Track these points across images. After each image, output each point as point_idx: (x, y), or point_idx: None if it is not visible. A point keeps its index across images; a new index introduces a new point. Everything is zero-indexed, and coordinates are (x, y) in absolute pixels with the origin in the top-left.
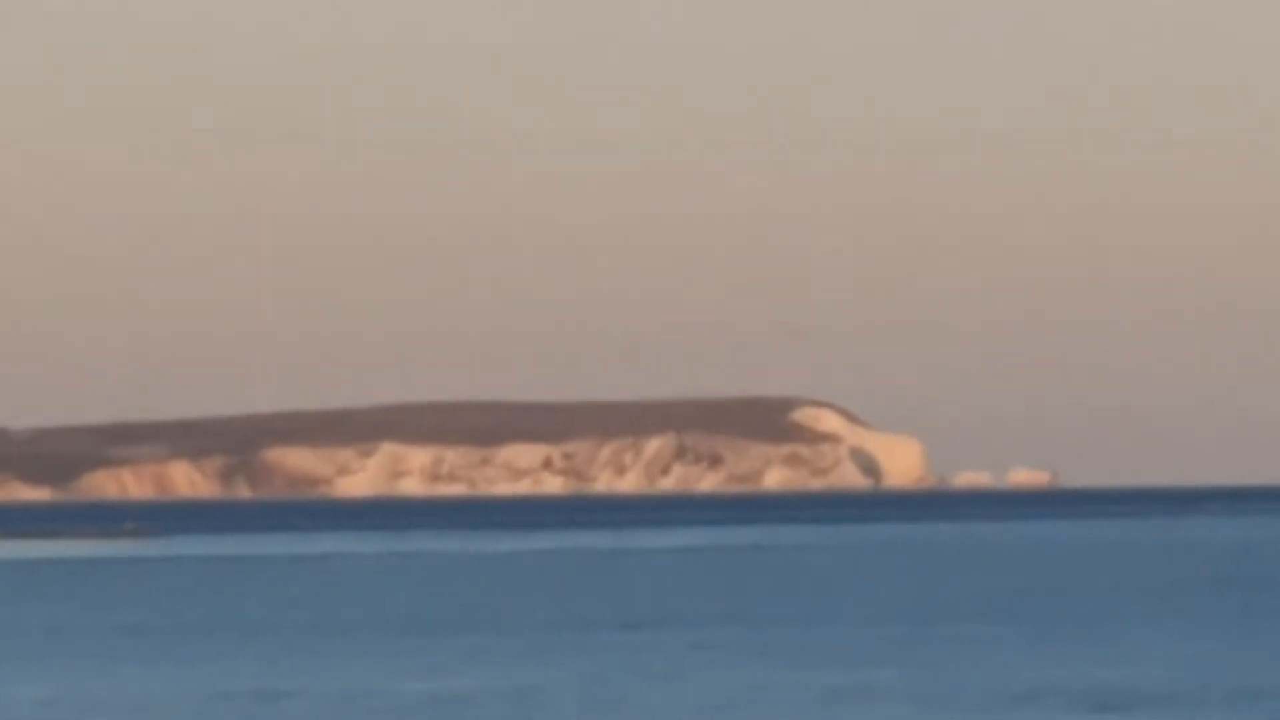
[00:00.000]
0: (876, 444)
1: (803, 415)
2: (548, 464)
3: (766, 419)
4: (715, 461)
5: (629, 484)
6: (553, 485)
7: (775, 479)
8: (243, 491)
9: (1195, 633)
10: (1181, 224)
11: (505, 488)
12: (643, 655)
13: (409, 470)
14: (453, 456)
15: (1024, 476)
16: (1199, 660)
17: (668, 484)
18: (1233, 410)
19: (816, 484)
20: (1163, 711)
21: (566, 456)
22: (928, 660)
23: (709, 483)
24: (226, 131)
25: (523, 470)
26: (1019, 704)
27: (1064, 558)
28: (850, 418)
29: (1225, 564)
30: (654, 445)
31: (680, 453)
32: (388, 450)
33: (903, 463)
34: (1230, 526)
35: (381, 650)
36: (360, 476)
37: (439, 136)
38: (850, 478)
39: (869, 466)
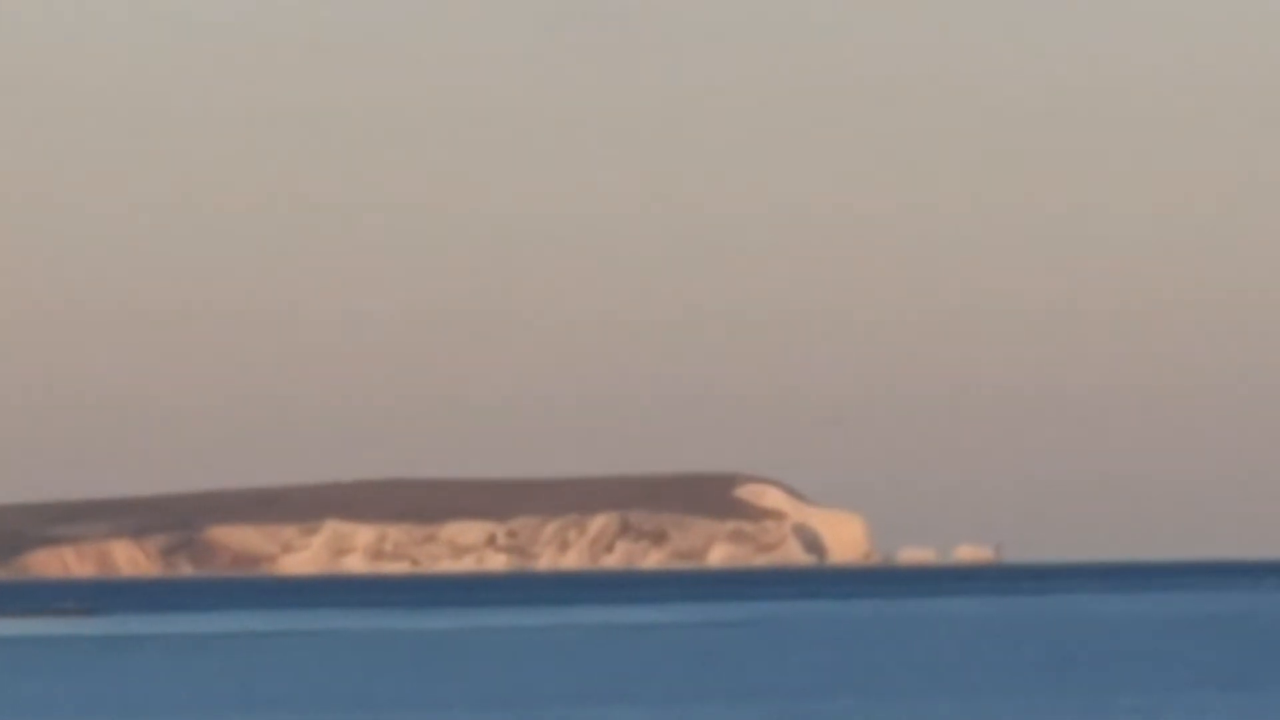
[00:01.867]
0: (820, 520)
1: (746, 492)
2: (491, 541)
3: (710, 496)
4: (659, 539)
5: (572, 561)
6: (496, 562)
7: (719, 556)
8: (186, 569)
9: (1146, 709)
10: (1119, 292)
11: (449, 565)
12: None
13: (353, 548)
14: (396, 534)
15: (968, 552)
16: None
17: (611, 561)
18: (1179, 484)
19: (761, 560)
20: None
21: (510, 534)
22: None
23: (653, 560)
24: (164, 200)
25: (466, 548)
26: None
27: (1007, 633)
28: (793, 494)
29: (1171, 637)
30: (598, 523)
31: (624, 530)
32: (331, 528)
33: (846, 539)
34: (1180, 601)
35: None
36: (304, 554)
37: (374, 211)
38: (794, 554)
39: (813, 543)
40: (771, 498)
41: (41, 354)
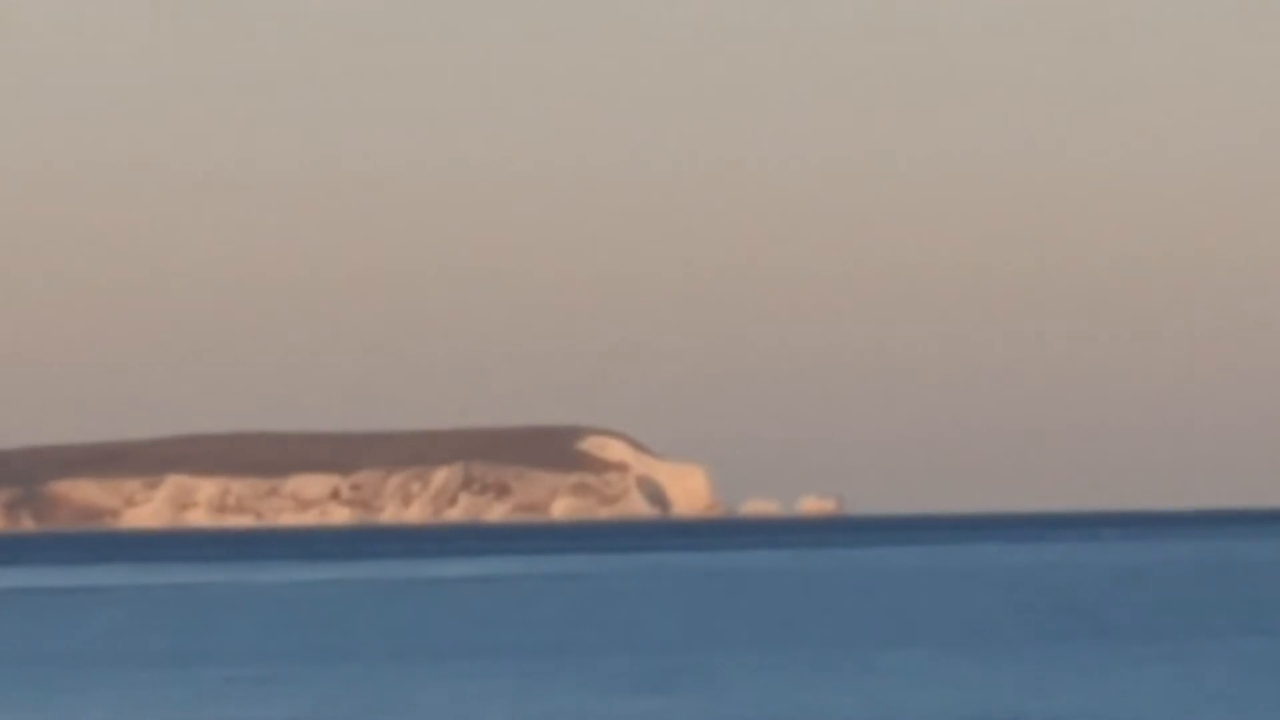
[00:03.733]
0: (663, 472)
1: (590, 444)
2: (335, 495)
3: (554, 448)
4: (502, 491)
5: (416, 514)
6: (340, 516)
7: (563, 508)
8: (28, 524)
9: (967, 660)
10: (962, 235)
11: (292, 519)
12: (418, 687)
13: (196, 502)
14: (239, 488)
15: (812, 504)
16: (965, 689)
17: (455, 514)
18: (1021, 433)
19: (604, 513)
20: None
21: (354, 487)
22: (702, 689)
23: (496, 513)
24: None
25: (310, 501)
26: None
27: (851, 586)
28: (637, 446)
29: (1010, 590)
30: (441, 475)
31: (467, 482)
32: (174, 482)
33: (690, 491)
34: (1019, 552)
35: (159, 683)
36: (147, 508)
37: (213, 164)
38: (637, 506)
39: (656, 495)
40: (615, 450)
41: None
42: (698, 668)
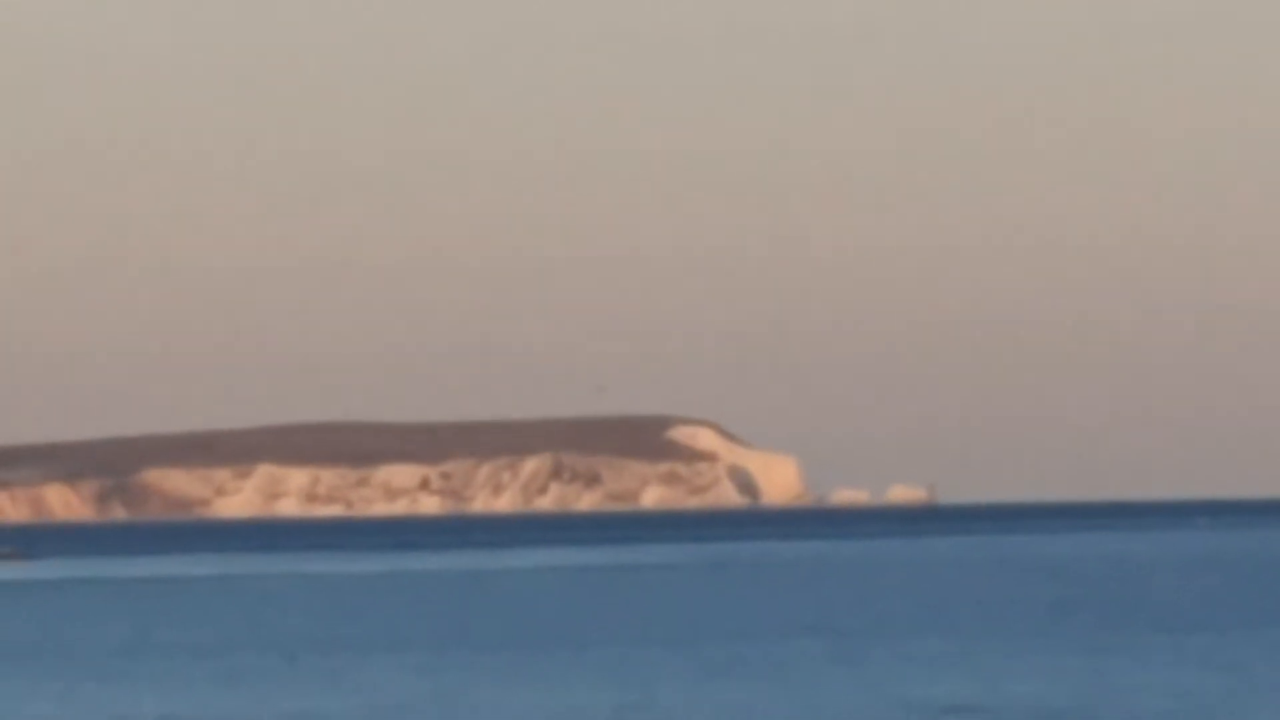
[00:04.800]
0: (753, 462)
1: (680, 433)
2: (425, 484)
3: (644, 438)
4: (593, 481)
5: (506, 503)
6: (430, 506)
7: (653, 498)
8: (119, 514)
9: (1056, 652)
10: (1057, 232)
11: (382, 508)
12: (509, 678)
13: (286, 491)
14: (329, 477)
15: (901, 493)
16: (1060, 681)
17: (545, 503)
18: (1111, 424)
19: (694, 502)
20: None
21: (444, 477)
22: (796, 679)
23: (586, 502)
24: (94, 144)
25: (400, 490)
26: None
27: (942, 575)
28: (727, 435)
29: (1099, 582)
30: (531, 465)
31: (558, 472)
32: (265, 472)
33: (780, 480)
34: (1109, 541)
35: (255, 672)
36: (237, 498)
37: (314, 156)
38: (727, 496)
39: (746, 484)
40: (705, 439)
41: None
42: (788, 658)
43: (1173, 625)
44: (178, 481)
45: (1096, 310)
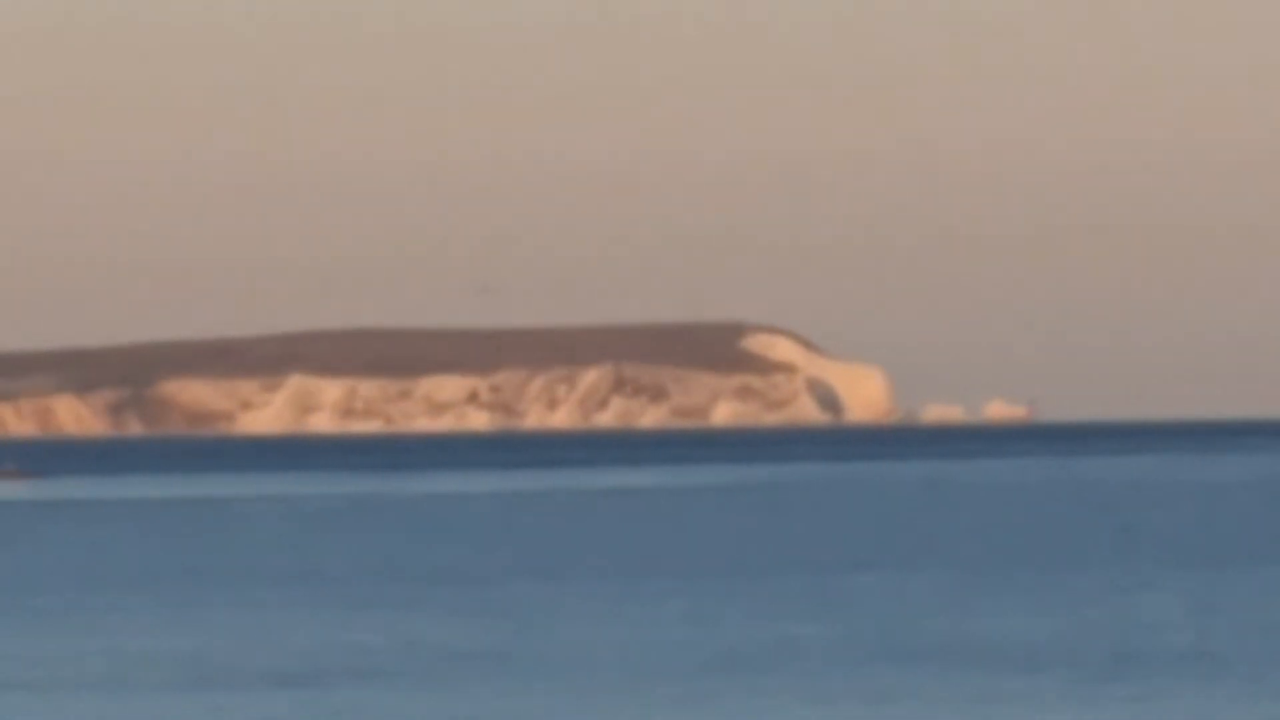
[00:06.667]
0: (836, 374)
1: (754, 342)
2: (473, 398)
3: (714, 347)
4: (658, 394)
5: (562, 419)
6: (478, 421)
7: (724, 413)
8: (135, 428)
9: (1171, 581)
10: (1159, 148)
11: (425, 424)
12: (568, 606)
13: (319, 405)
14: (367, 389)
15: (999, 410)
16: (1167, 611)
17: (605, 419)
18: (1220, 342)
19: (770, 419)
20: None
21: (493, 389)
22: (872, 611)
23: (651, 418)
24: (117, 66)
25: (445, 404)
26: (974, 658)
27: (1042, 498)
28: (807, 345)
29: (1210, 505)
30: (590, 376)
31: (619, 385)
32: (296, 383)
33: (866, 395)
34: (1222, 464)
35: (283, 602)
36: (265, 412)
37: (349, 68)
38: (807, 412)
39: (828, 399)
40: (782, 349)
41: None
42: (874, 587)
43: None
44: (199, 393)
45: (1216, 221)
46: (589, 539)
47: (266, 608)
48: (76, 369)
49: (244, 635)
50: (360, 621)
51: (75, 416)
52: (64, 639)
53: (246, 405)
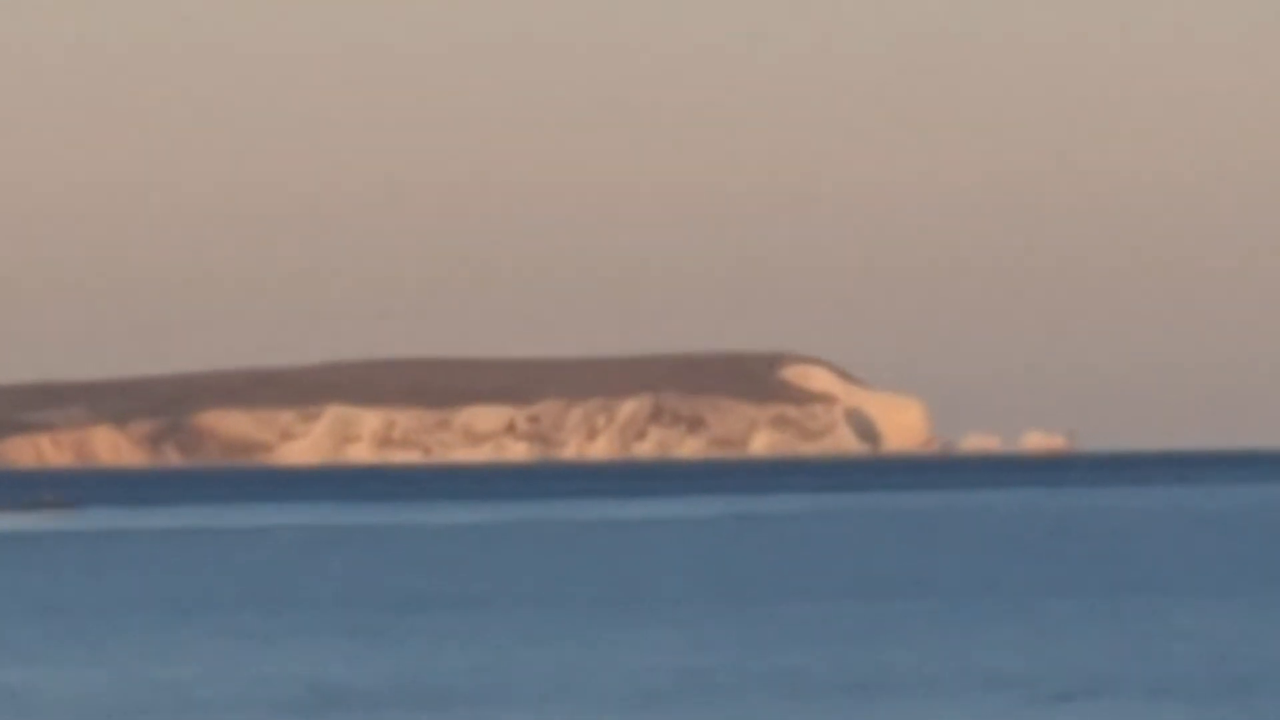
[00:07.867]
0: (874, 404)
1: (792, 373)
2: (511, 428)
3: (752, 377)
4: (695, 424)
5: (601, 450)
6: (516, 451)
7: (762, 443)
8: (173, 459)
9: (1216, 612)
10: (1204, 179)
11: (464, 454)
12: (611, 635)
13: (357, 435)
14: (406, 420)
15: (1038, 440)
16: (1217, 642)
17: (643, 449)
18: (1264, 371)
19: (807, 449)
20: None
21: (532, 420)
22: (914, 642)
23: (689, 448)
24: (154, 88)
25: (483, 435)
26: (992, 689)
27: (1081, 529)
28: (845, 375)
29: (1253, 535)
30: (628, 407)
31: (657, 415)
32: (334, 413)
33: (903, 425)
34: (1265, 494)
35: (316, 632)
36: (303, 442)
37: (387, 91)
38: (845, 442)
39: (866, 429)
40: (820, 379)
41: (15, 226)
42: (910, 617)
43: None
44: (237, 423)
45: (1260, 250)
46: (628, 570)
47: (300, 634)
48: (114, 400)
49: (275, 665)
50: (402, 650)
51: (113, 447)
52: (92, 667)
53: (285, 435)
